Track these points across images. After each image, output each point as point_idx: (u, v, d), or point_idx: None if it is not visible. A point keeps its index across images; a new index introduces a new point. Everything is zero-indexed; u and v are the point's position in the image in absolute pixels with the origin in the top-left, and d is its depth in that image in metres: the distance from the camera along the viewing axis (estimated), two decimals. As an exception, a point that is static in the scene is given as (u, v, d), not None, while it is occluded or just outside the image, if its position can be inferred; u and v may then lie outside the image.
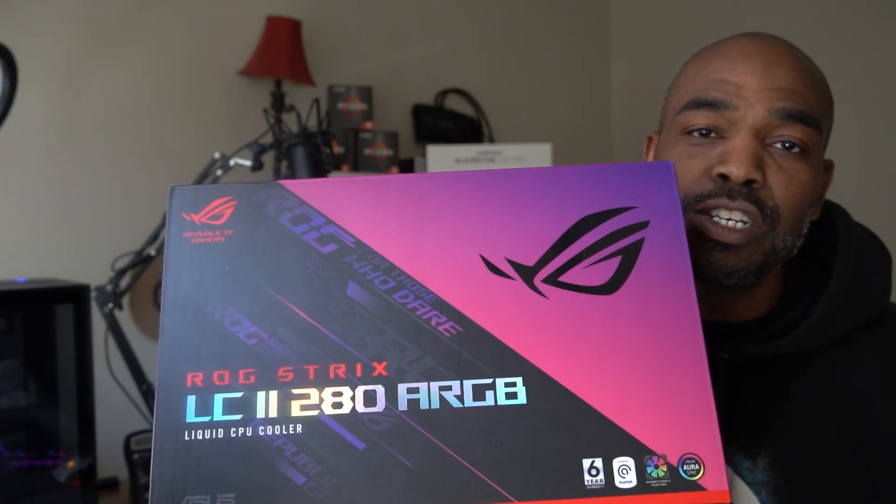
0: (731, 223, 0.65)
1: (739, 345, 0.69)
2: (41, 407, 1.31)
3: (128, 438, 1.41)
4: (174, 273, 0.55)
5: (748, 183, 0.64)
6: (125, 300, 1.71)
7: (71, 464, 1.27)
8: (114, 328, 1.49)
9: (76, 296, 1.29)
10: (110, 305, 1.48)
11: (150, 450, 1.50)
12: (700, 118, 0.67)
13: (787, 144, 0.65)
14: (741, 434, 0.65)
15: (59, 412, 1.30)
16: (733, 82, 0.66)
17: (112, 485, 1.56)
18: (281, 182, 0.57)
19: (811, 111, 0.66)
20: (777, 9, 2.10)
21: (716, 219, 0.65)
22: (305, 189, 0.57)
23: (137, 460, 1.39)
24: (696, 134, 0.68)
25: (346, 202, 0.57)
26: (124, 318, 1.76)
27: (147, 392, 1.52)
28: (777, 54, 0.67)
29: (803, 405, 0.68)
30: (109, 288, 1.48)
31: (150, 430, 1.43)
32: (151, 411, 1.51)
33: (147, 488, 1.37)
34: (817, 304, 0.69)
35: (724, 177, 0.65)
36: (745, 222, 0.65)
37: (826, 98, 0.69)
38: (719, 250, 0.65)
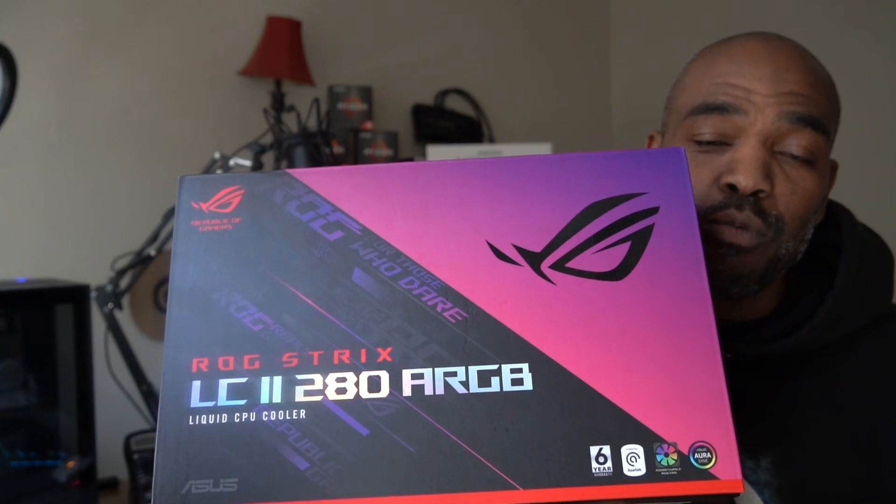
0: (741, 224, 0.65)
1: (743, 344, 0.68)
2: (41, 407, 1.31)
3: (128, 438, 1.41)
4: (182, 261, 0.55)
5: (756, 193, 0.64)
6: (125, 300, 1.71)
7: (71, 464, 1.27)
8: (114, 328, 1.49)
9: (76, 296, 1.29)
10: (110, 305, 1.48)
11: (150, 450, 1.49)
12: (708, 124, 0.66)
13: (794, 152, 0.65)
14: (744, 434, 0.65)
15: (59, 412, 1.29)
16: (742, 86, 0.65)
17: (112, 485, 1.55)
18: (288, 171, 0.57)
19: (821, 116, 0.65)
20: (777, 8, 2.10)
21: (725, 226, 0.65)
22: (313, 177, 0.57)
23: (137, 460, 1.39)
24: (703, 141, 0.67)
25: (352, 190, 0.56)
26: (124, 318, 1.76)
27: (147, 392, 1.52)
28: (785, 57, 0.66)
29: (807, 405, 0.68)
30: (109, 288, 1.48)
31: (151, 430, 1.43)
32: (151, 411, 1.51)
33: (147, 488, 1.37)
34: (821, 305, 0.68)
35: (732, 186, 0.64)
36: (749, 228, 0.64)
37: (834, 101, 0.68)
38: (731, 255, 0.65)
